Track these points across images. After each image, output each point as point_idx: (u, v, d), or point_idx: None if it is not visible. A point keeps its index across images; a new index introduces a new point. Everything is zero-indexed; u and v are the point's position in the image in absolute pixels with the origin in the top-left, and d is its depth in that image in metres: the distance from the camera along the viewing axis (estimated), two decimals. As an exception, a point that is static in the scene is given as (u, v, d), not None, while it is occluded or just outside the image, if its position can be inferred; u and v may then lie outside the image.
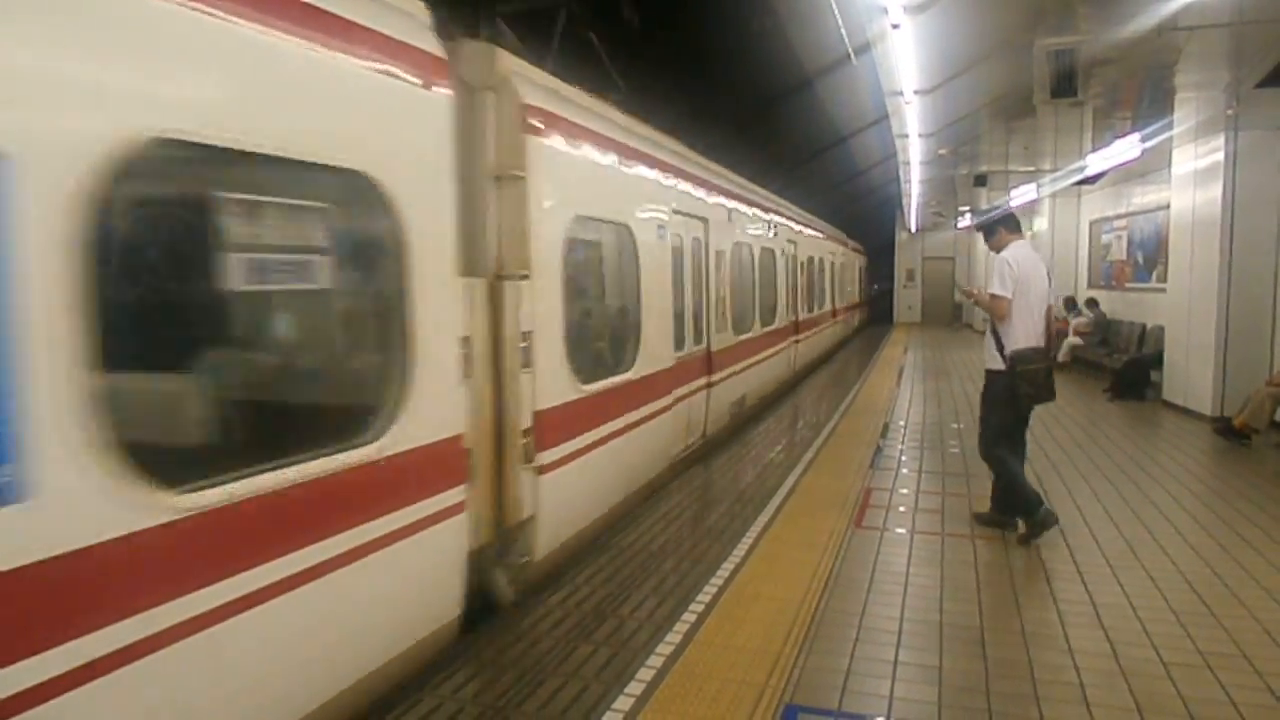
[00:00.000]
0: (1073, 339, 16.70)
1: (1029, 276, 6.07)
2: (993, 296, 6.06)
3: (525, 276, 5.18)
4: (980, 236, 6.61)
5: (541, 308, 5.41)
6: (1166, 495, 7.20)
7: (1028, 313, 6.05)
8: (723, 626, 4.52)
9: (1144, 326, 14.45)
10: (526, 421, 5.20)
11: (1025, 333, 6.03)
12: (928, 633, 4.50)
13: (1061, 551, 5.79)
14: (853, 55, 13.27)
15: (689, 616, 4.64)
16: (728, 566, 5.43)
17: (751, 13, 15.53)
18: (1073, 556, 5.67)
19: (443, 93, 4.40)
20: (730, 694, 3.79)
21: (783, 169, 24.22)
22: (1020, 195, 19.87)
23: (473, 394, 4.65)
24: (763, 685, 3.87)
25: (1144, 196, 15.66)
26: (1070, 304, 17.76)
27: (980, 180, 21.45)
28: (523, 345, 5.13)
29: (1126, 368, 13.13)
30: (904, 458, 8.64)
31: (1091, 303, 16.57)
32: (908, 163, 24.26)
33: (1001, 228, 6.43)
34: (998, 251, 6.34)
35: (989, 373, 6.23)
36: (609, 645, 4.31)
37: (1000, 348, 6.05)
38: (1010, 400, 6.05)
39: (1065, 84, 10.09)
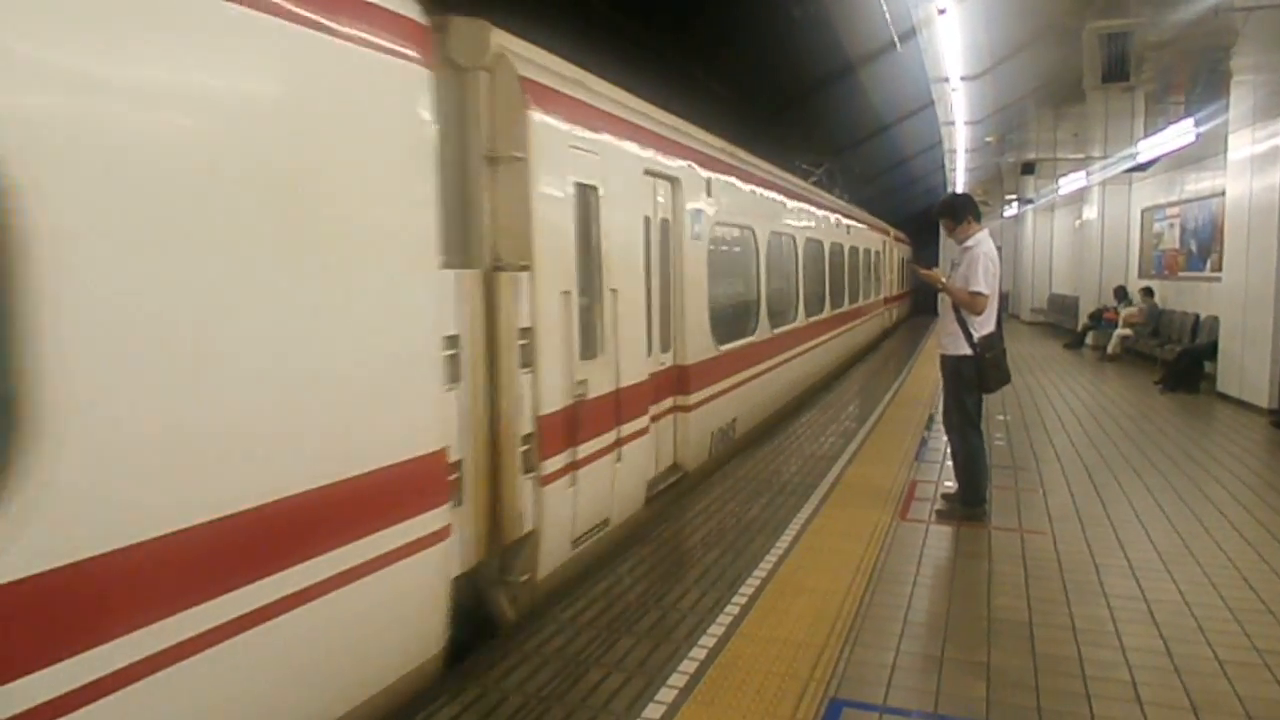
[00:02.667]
0: (1122, 330, 16.39)
1: (998, 269, 6.22)
2: (974, 293, 6.04)
3: (525, 268, 4.81)
4: (955, 221, 6.25)
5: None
6: (1221, 489, 7.03)
7: (992, 302, 6.16)
8: (766, 619, 4.49)
9: (1197, 316, 14.12)
10: (528, 428, 4.83)
11: (990, 319, 6.18)
12: (975, 627, 4.43)
13: (1112, 546, 5.68)
14: (898, 41, 13.11)
15: (732, 609, 4.62)
16: (771, 558, 5.39)
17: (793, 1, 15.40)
18: (1124, 551, 5.56)
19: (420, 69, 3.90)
20: (774, 687, 3.76)
21: (825, 157, 24.02)
22: (1069, 183, 19.52)
23: (465, 399, 4.33)
24: (807, 678, 3.84)
25: (1198, 183, 15.29)
26: (1120, 294, 17.41)
27: (1028, 168, 21.12)
28: (522, 343, 4.74)
29: (1179, 359, 12.85)
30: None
31: (1147, 291, 16.24)
32: (953, 150, 23.95)
33: (970, 215, 6.35)
34: (961, 242, 6.34)
35: (955, 358, 6.23)
36: (651, 637, 4.30)
37: (968, 336, 6.11)
38: (979, 384, 6.21)
39: (1117, 68, 9.88)
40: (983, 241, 6.20)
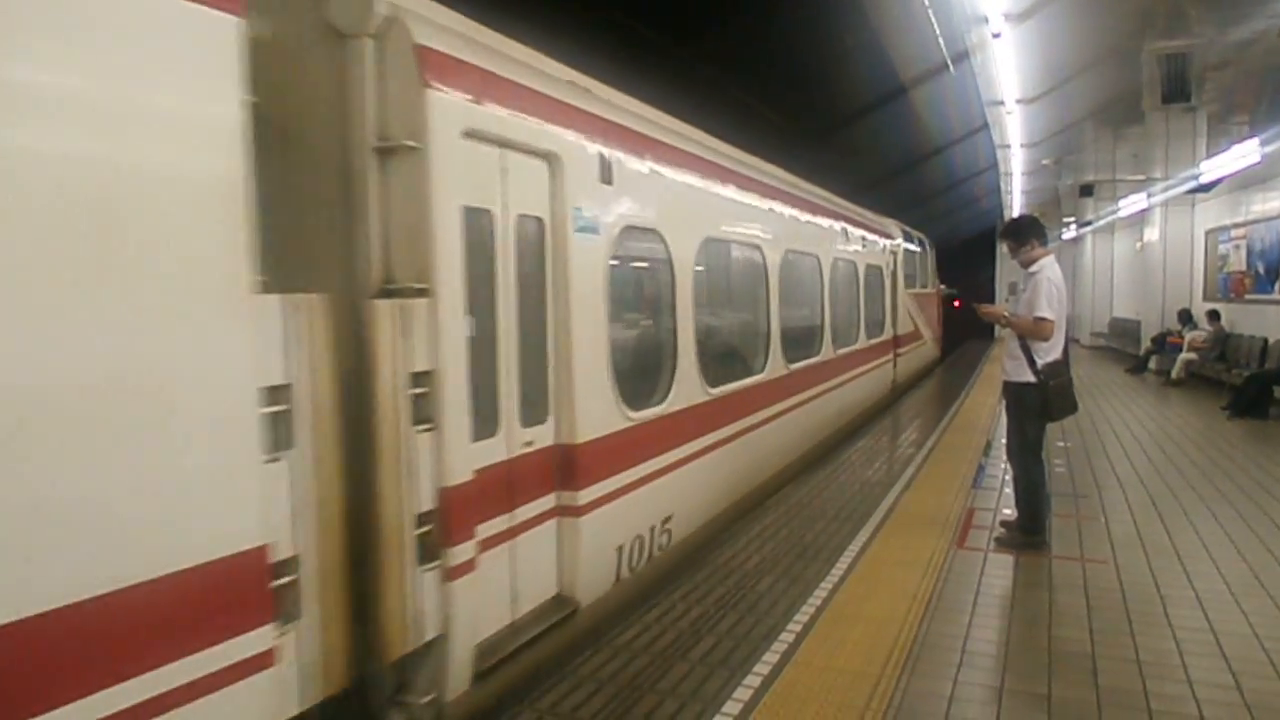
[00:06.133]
0: (1187, 354, 16.02)
1: (1064, 294, 6.11)
2: (1039, 320, 5.93)
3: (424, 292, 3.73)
4: (1018, 244, 6.27)
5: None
6: (1293, 519, 6.83)
7: (1059, 328, 6.05)
8: (821, 647, 4.46)
9: (1266, 340, 13.76)
10: (426, 504, 3.76)
11: (1056, 346, 6.06)
12: (1035, 658, 4.36)
13: (1178, 577, 5.54)
14: (951, 65, 13.06)
15: (787, 636, 4.59)
16: (826, 585, 5.36)
17: (846, 28, 15.42)
18: (1191, 582, 5.42)
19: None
20: (830, 716, 3.73)
21: (878, 179, 23.95)
22: (1129, 204, 19.20)
23: (303, 471, 3.18)
24: (863, 709, 3.80)
25: (1265, 204, 14.93)
26: (1185, 317, 17.04)
27: (1086, 190, 20.85)
28: (418, 391, 3.73)
29: (1247, 384, 12.52)
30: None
31: (1214, 315, 15.87)
32: (1009, 174, 23.73)
33: (1034, 238, 6.27)
34: (1026, 266, 6.26)
35: (1018, 385, 6.13)
36: (705, 664, 4.29)
37: (1031, 362, 6.00)
38: (1042, 412, 6.10)
39: (1177, 88, 9.78)
40: (1047, 266, 6.12)
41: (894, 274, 15.80)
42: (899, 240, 16.59)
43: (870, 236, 13.92)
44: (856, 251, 12.67)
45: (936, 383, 18.28)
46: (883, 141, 24.13)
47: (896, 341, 15.88)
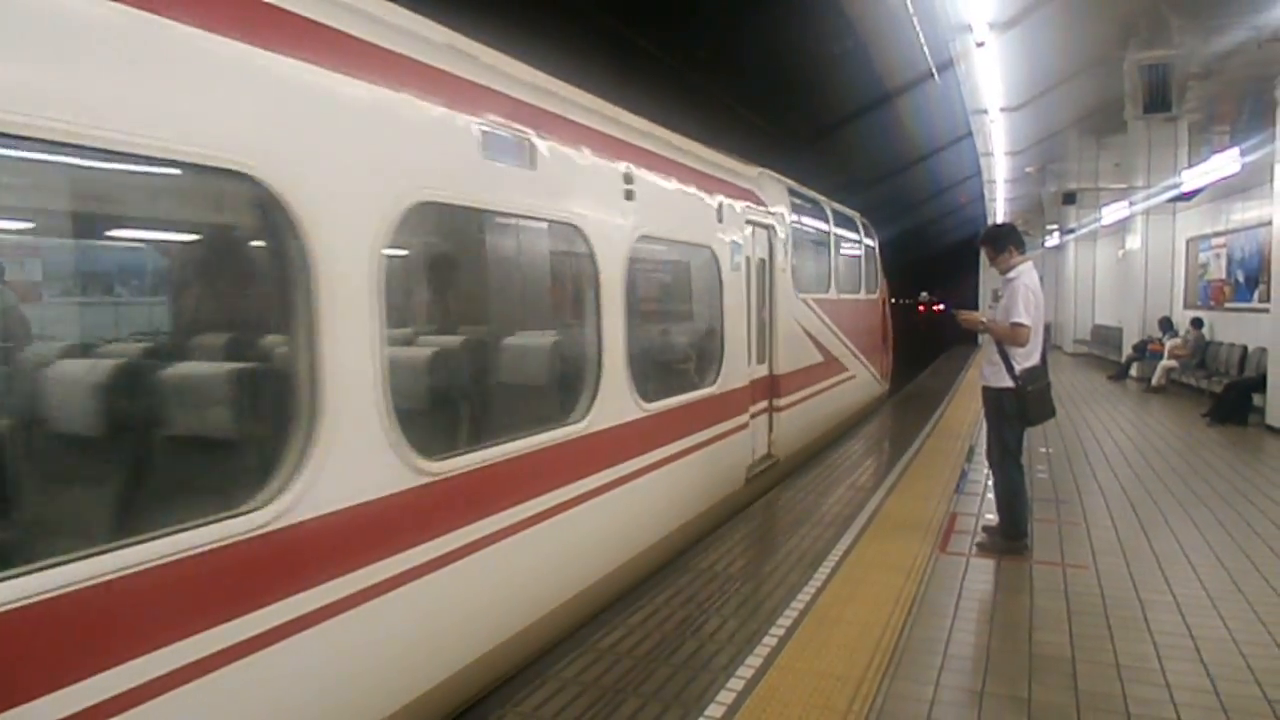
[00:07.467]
0: (1167, 361, 16.15)
1: (1041, 300, 6.18)
2: (1016, 325, 6.01)
3: None
4: (996, 250, 6.35)
5: None
6: (1270, 525, 6.89)
7: (1036, 334, 6.12)
8: (804, 651, 4.48)
9: (1245, 348, 13.89)
10: None
11: (1033, 352, 6.13)
12: (1016, 662, 4.39)
13: (1157, 581, 5.58)
14: (935, 73, 13.13)
15: (769, 640, 4.61)
16: (809, 590, 5.38)
17: (832, 35, 15.49)
18: (1170, 587, 5.47)
19: None
20: (812, 719, 3.75)
21: (863, 184, 24.03)
22: (1112, 212, 19.34)
23: None
24: (845, 712, 3.82)
25: (1244, 213, 15.08)
26: (1165, 325, 17.17)
27: (1069, 198, 20.96)
28: None
29: (1227, 391, 12.63)
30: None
31: (1197, 322, 15.99)
32: (993, 181, 23.84)
33: (1012, 245, 6.34)
34: (1004, 272, 6.33)
35: (996, 390, 6.21)
36: (688, 667, 4.30)
37: (1010, 368, 6.07)
38: (1020, 417, 6.18)
39: (1158, 99, 9.85)
40: (1025, 273, 6.18)
41: (765, 268, 9.28)
42: (780, 209, 9.70)
43: (675, 187, 7.02)
44: (600, 212, 5.71)
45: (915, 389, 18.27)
46: (867, 148, 24.25)
47: (775, 386, 9.45)
